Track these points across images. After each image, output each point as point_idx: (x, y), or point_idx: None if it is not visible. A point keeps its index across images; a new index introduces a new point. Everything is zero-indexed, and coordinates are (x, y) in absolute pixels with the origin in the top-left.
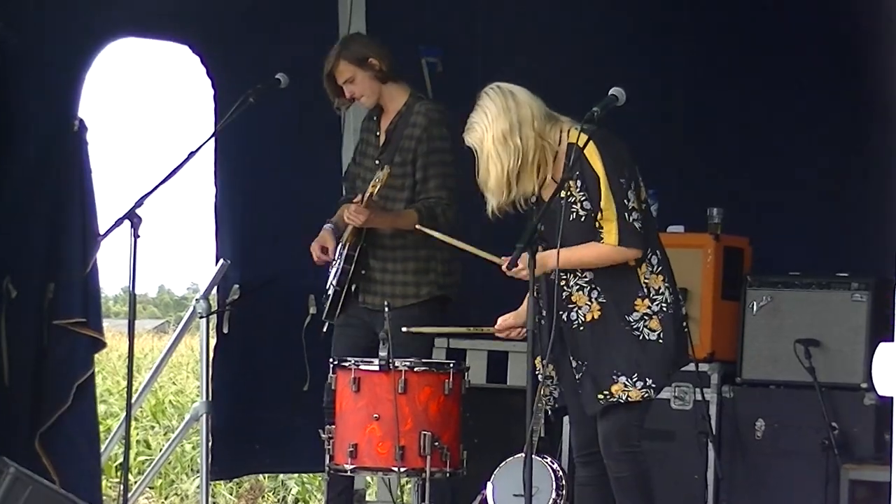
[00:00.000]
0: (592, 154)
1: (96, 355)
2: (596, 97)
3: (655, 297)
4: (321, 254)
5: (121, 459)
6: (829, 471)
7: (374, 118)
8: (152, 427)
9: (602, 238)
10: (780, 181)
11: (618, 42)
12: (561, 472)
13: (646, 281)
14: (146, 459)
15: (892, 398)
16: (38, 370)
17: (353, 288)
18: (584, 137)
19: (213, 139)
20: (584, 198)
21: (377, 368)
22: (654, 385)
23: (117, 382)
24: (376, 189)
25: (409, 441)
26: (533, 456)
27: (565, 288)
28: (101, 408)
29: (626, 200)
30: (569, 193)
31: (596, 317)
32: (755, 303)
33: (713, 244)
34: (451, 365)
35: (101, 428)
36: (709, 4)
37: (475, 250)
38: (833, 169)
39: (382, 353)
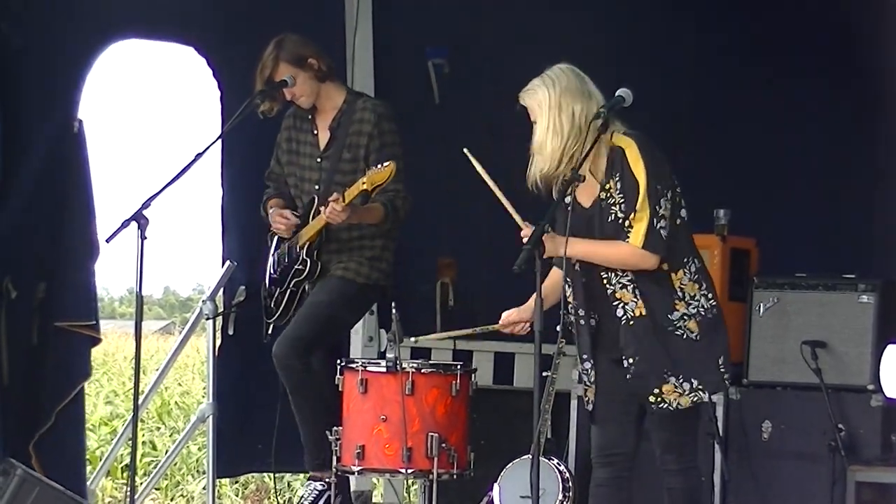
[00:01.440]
0: (635, 158)
1: (103, 356)
2: (605, 93)
3: (691, 301)
4: (285, 220)
5: (127, 460)
6: (835, 472)
7: (309, 117)
8: (158, 428)
9: (628, 238)
10: (787, 183)
11: (623, 42)
12: (567, 474)
13: (682, 286)
14: (152, 461)
15: None
16: (34, 370)
17: (306, 287)
18: (629, 141)
19: (219, 141)
20: (622, 200)
21: (384, 370)
22: (701, 387)
23: (123, 384)
24: (372, 187)
25: (416, 442)
26: (540, 457)
27: (608, 286)
28: (106, 409)
29: (658, 207)
30: (608, 195)
31: (644, 312)
32: (762, 304)
33: (720, 245)
34: (459, 366)
35: (107, 429)
36: (714, 5)
37: (508, 204)
38: (840, 171)
39: (390, 355)
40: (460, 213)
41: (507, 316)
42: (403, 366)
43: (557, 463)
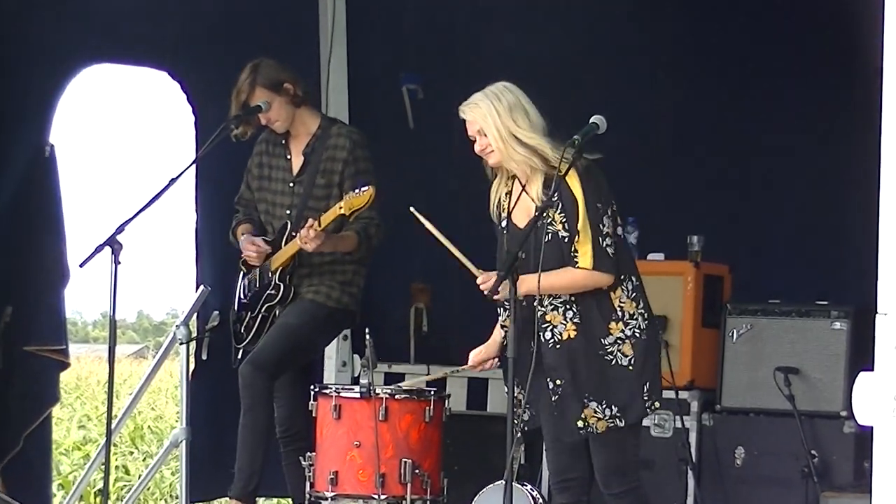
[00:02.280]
0: (573, 179)
1: (76, 381)
2: (576, 124)
3: (629, 321)
4: (257, 248)
5: (100, 485)
6: (808, 498)
7: (283, 141)
8: (131, 452)
9: (577, 261)
10: (760, 209)
11: (598, 71)
12: (541, 500)
13: (620, 305)
14: (125, 485)
15: (872, 427)
16: (1, 394)
17: (277, 312)
18: (565, 164)
19: (194, 165)
20: (563, 220)
21: (358, 396)
22: (619, 414)
23: (96, 408)
24: (349, 212)
25: (389, 468)
26: (513, 483)
27: (539, 307)
28: (79, 433)
29: (601, 225)
30: (547, 216)
31: (572, 335)
32: (735, 330)
33: (693, 272)
34: (432, 392)
35: (80, 454)
36: (691, 36)
37: (461, 256)
38: (813, 197)
39: (363, 381)
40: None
41: (475, 356)
42: (377, 391)
43: (531, 489)
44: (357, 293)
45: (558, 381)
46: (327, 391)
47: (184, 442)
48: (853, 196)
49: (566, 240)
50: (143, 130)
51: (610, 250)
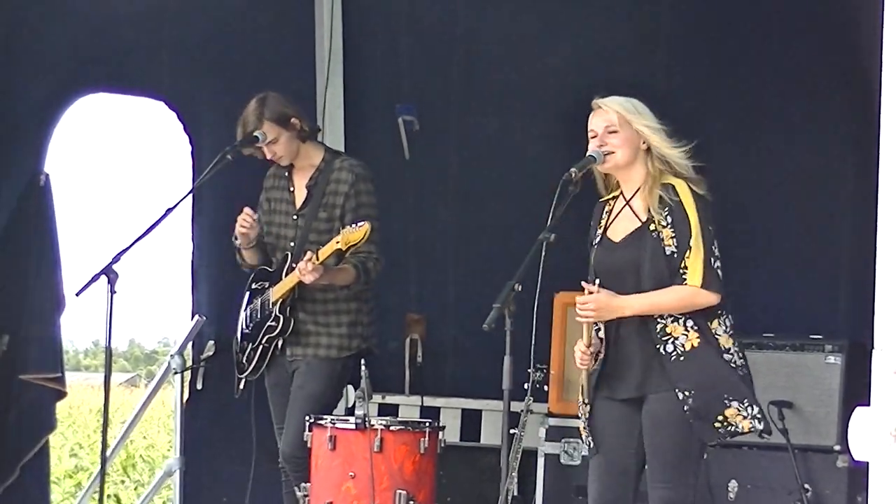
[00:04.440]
0: (686, 196)
1: (68, 409)
2: (571, 157)
3: (725, 353)
4: (248, 218)
5: None
6: None
7: (286, 174)
8: (122, 481)
9: (685, 278)
10: (754, 242)
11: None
12: None
13: (717, 336)
14: None
15: (866, 462)
16: None
17: (279, 343)
18: (679, 181)
19: (190, 195)
20: (672, 235)
21: (353, 427)
22: (760, 416)
23: (88, 436)
24: (346, 247)
25: (384, 500)
26: None
27: (659, 320)
28: (71, 462)
29: (713, 247)
30: (655, 229)
31: (695, 344)
32: None
33: None
34: (427, 424)
35: (72, 482)
36: (679, 58)
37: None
38: (807, 231)
39: (359, 412)
40: (429, 269)
41: (584, 354)
42: (372, 423)
43: None
44: (364, 331)
45: (687, 392)
46: (322, 422)
47: (177, 471)
48: (847, 231)
49: (674, 256)
50: (140, 159)
51: (720, 272)
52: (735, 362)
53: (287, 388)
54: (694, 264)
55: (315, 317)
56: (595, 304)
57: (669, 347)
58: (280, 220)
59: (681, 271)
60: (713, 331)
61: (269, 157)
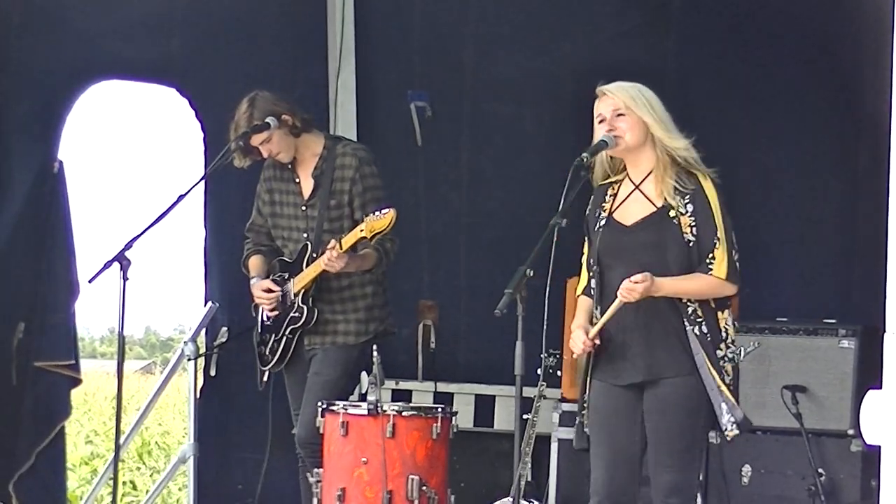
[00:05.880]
0: (709, 187)
1: (83, 396)
2: (582, 143)
3: (730, 345)
4: (268, 293)
5: (108, 501)
6: None
7: (289, 166)
8: (138, 468)
9: (711, 268)
10: (768, 227)
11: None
12: None
13: (725, 327)
14: (133, 500)
15: (879, 446)
16: (13, 410)
17: (302, 334)
18: (703, 173)
19: (203, 182)
20: (692, 223)
21: (365, 412)
22: (734, 420)
23: (103, 423)
24: (371, 234)
25: (396, 486)
26: (520, 500)
27: (689, 303)
28: (86, 449)
29: (734, 239)
30: (675, 215)
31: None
32: (743, 348)
33: None
34: (440, 409)
35: (87, 469)
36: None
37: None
38: (820, 216)
39: (371, 398)
40: (441, 256)
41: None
42: (384, 408)
43: None
44: (381, 314)
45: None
46: (335, 408)
47: (191, 458)
48: (861, 215)
49: (691, 244)
50: (152, 146)
51: (738, 265)
52: (724, 370)
53: (304, 374)
54: (721, 256)
55: (332, 305)
56: (644, 284)
57: (704, 328)
58: (288, 211)
59: (707, 261)
60: (722, 322)
61: (266, 156)
